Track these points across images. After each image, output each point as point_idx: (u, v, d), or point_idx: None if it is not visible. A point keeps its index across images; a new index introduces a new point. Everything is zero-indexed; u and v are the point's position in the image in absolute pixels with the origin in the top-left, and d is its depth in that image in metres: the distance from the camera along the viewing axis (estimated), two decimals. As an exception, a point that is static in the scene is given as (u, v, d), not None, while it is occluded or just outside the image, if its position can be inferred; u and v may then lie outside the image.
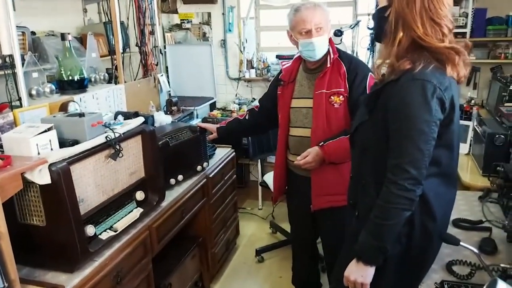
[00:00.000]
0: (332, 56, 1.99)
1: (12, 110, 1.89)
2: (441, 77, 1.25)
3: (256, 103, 2.72)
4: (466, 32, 3.37)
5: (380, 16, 1.36)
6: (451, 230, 1.66)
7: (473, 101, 3.34)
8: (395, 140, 1.27)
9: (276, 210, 3.67)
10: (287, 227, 3.09)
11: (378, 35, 1.42)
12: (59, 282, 1.50)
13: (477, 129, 2.47)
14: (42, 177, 1.41)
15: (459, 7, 3.41)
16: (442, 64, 1.26)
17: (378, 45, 3.14)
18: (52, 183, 1.43)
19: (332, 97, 1.96)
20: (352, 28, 3.52)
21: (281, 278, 2.90)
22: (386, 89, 1.32)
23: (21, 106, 1.97)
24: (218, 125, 2.48)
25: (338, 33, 3.23)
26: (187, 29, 4.29)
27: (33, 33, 2.73)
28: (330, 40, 2.03)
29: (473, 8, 3.35)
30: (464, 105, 3.17)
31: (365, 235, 1.34)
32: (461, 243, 1.41)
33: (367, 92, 1.89)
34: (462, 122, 2.82)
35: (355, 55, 3.64)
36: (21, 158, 1.44)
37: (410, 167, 1.23)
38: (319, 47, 1.97)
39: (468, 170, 2.42)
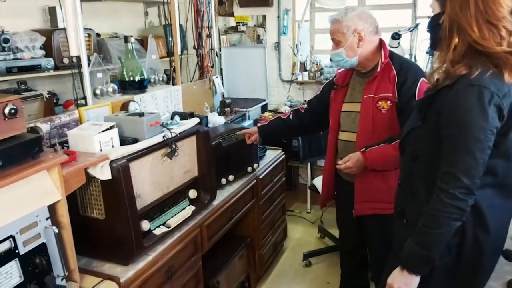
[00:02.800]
0: (382, 60, 1.95)
1: (77, 108, 2.01)
2: (499, 83, 1.20)
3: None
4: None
5: (434, 24, 1.32)
6: (513, 246, 1.57)
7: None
8: (448, 147, 1.24)
9: (325, 215, 3.63)
10: (336, 232, 3.04)
11: (434, 42, 1.37)
12: (115, 274, 1.57)
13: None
14: (103, 173, 1.49)
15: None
16: (499, 69, 1.21)
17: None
18: (112, 178, 1.50)
19: (379, 102, 1.93)
20: (410, 31, 3.41)
21: (329, 284, 2.86)
22: (440, 94, 1.28)
23: (86, 104, 2.08)
24: (258, 124, 2.47)
25: (396, 36, 3.14)
26: (242, 31, 4.35)
27: (98, 34, 2.88)
28: (382, 44, 2.00)
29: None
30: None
31: (411, 243, 1.31)
32: (524, 261, 1.33)
33: (417, 97, 1.83)
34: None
35: (413, 58, 3.53)
36: (85, 154, 1.53)
37: (462, 176, 1.20)
38: (336, 61, 2.01)
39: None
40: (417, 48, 3.55)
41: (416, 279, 1.31)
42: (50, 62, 2.46)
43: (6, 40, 2.28)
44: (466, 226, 1.27)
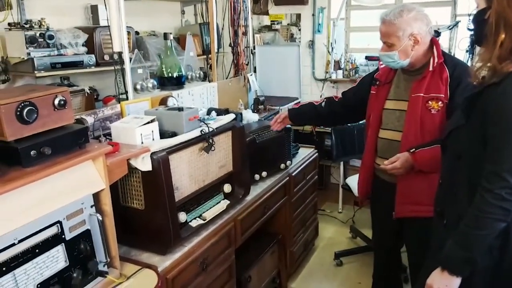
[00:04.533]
0: (436, 60, 1.88)
1: (119, 102, 2.08)
2: None
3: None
4: None
5: (479, 19, 1.29)
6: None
7: None
8: (494, 146, 1.21)
9: (357, 215, 3.60)
10: (368, 232, 3.02)
11: (478, 38, 1.34)
12: (153, 263, 1.62)
13: None
14: (144, 164, 1.54)
15: None
16: None
17: (478, 47, 2.94)
18: (152, 170, 1.55)
19: (430, 102, 1.85)
20: (450, 29, 3.33)
21: (360, 284, 2.84)
22: (486, 92, 1.25)
23: (127, 99, 2.15)
24: (289, 107, 2.46)
25: (435, 34, 3.06)
26: (276, 30, 4.36)
27: (136, 33, 2.96)
28: (435, 42, 1.93)
29: None
30: None
31: (453, 244, 1.28)
32: None
33: None
34: None
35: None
36: (127, 145, 1.59)
37: (508, 176, 1.17)
38: (386, 61, 1.94)
39: None
40: (457, 47, 3.46)
41: (457, 281, 1.28)
42: (91, 58, 2.55)
43: (51, 37, 2.37)
44: (510, 227, 1.23)
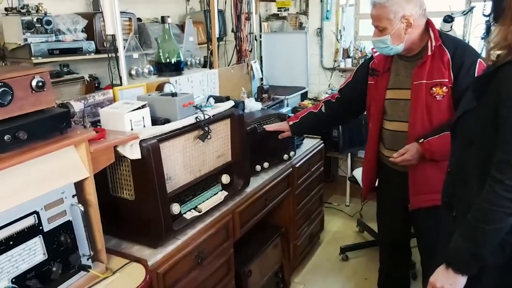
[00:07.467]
0: (433, 43, 1.77)
1: (112, 88, 1.99)
2: None
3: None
4: None
5: None
6: None
7: None
8: (506, 131, 1.10)
9: (364, 208, 3.48)
10: (375, 227, 2.91)
11: (496, 15, 1.23)
12: (143, 256, 1.54)
13: None
14: (133, 152, 1.45)
15: None
16: None
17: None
18: (142, 158, 1.46)
19: (433, 88, 1.76)
20: (464, 15, 3.18)
21: (367, 280, 2.73)
22: (501, 72, 1.13)
23: (121, 84, 2.06)
24: (290, 122, 2.31)
25: (448, 19, 2.93)
26: (284, 17, 4.23)
27: (139, 19, 2.87)
28: (431, 24, 1.82)
29: None
30: None
31: (459, 239, 1.18)
32: None
33: None
34: None
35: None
36: (115, 132, 1.50)
37: None
38: (379, 47, 1.84)
39: None
40: (471, 34, 3.30)
41: (462, 279, 1.18)
42: (91, 45, 2.46)
43: (49, 22, 2.29)
44: None
